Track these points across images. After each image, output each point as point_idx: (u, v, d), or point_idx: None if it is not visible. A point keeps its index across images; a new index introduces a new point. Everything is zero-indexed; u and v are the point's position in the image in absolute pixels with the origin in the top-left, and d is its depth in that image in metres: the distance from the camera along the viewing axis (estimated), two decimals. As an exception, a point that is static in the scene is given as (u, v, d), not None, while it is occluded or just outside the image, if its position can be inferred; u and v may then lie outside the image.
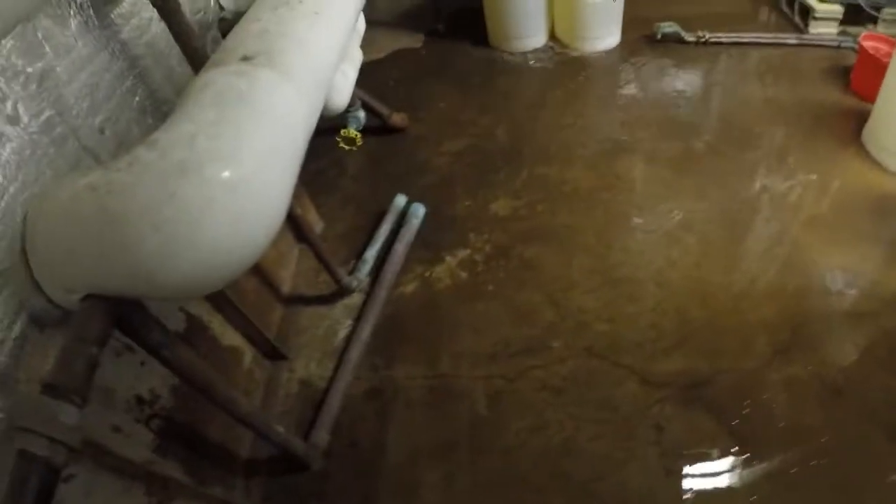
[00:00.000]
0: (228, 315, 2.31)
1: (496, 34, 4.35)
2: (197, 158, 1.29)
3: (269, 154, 1.41)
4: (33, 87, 1.50)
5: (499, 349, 2.51)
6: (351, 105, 3.06)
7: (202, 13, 2.26)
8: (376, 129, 3.65)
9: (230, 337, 2.32)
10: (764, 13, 4.58)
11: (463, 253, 2.94)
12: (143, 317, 1.47)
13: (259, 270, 2.66)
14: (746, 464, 2.05)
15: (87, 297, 1.32)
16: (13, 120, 1.42)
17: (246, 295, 2.47)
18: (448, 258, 2.92)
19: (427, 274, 2.87)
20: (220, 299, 2.24)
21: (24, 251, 1.36)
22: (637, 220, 2.95)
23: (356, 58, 2.79)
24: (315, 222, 3.13)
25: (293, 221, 2.60)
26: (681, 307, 2.55)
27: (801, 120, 3.45)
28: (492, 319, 2.63)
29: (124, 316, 1.40)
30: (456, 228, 3.06)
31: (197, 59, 1.94)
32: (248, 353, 2.43)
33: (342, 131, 3.11)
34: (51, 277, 1.36)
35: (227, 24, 2.29)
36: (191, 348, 1.70)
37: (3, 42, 1.41)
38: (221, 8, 2.34)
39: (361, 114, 3.20)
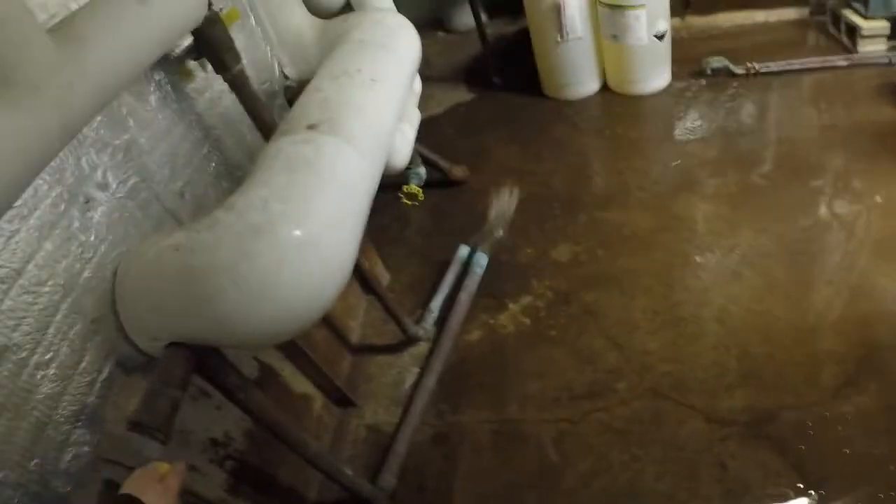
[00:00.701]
0: (299, 363, 2.42)
1: (549, 84, 4.46)
2: (270, 220, 1.44)
3: (335, 214, 1.56)
4: (120, 156, 1.68)
5: (562, 393, 2.54)
6: (411, 162, 3.20)
7: (268, 83, 2.46)
8: (438, 182, 3.77)
9: (301, 384, 2.43)
10: (812, 37, 4.52)
11: (526, 299, 2.98)
12: (220, 362, 1.60)
13: (329, 321, 2.77)
14: (813, 501, 2.00)
15: (171, 345, 1.46)
16: (103, 186, 1.60)
17: (316, 344, 2.58)
18: (511, 305, 2.97)
19: (491, 321, 2.93)
20: (291, 348, 2.35)
21: (113, 303, 1.51)
22: (698, 259, 2.94)
23: (414, 117, 2.94)
24: (382, 275, 3.25)
25: (361, 274, 2.73)
26: (743, 343, 2.52)
27: (859, 142, 3.38)
28: (556, 364, 2.66)
29: (204, 361, 1.52)
30: (518, 276, 3.12)
31: (265, 127, 2.11)
32: (318, 400, 2.54)
33: (404, 187, 3.24)
34: (138, 327, 1.50)
35: (291, 92, 2.47)
36: (263, 394, 1.81)
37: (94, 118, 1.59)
38: (286, 77, 2.53)
39: (422, 170, 3.34)
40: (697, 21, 4.80)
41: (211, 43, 1.89)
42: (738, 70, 4.16)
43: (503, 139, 4.20)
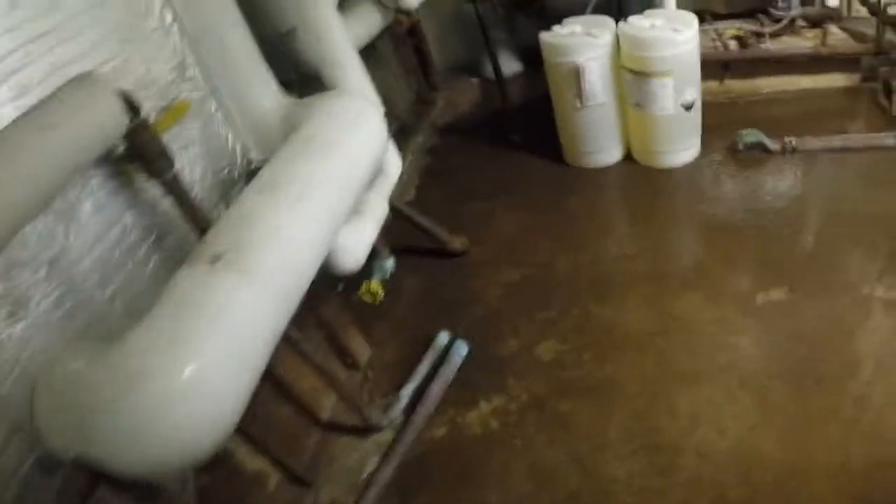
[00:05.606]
0: (256, 443, 2.35)
1: (569, 150, 4.24)
2: (148, 369, 1.45)
3: (220, 361, 1.53)
4: (42, 272, 1.65)
5: (513, 510, 2.38)
6: (375, 255, 3.02)
7: (227, 169, 2.37)
8: (437, 251, 3.66)
9: (255, 462, 2.36)
10: (860, 108, 4.18)
11: (498, 400, 2.83)
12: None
13: (296, 398, 2.69)
14: None
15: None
16: (23, 303, 1.59)
17: (278, 423, 2.52)
18: (483, 403, 2.83)
19: (459, 419, 2.80)
20: (249, 428, 2.27)
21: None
22: (690, 374, 2.71)
23: (378, 212, 2.80)
24: (363, 350, 3.14)
25: (339, 350, 2.64)
26: (720, 483, 2.30)
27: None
28: (513, 477, 2.52)
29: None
30: (496, 371, 2.96)
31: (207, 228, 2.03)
32: (274, 478, 2.45)
33: (364, 284, 3.07)
34: (50, 435, 1.52)
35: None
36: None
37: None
38: (249, 162, 2.43)
39: (389, 263, 3.18)
40: (737, 85, 4.51)
41: (139, 151, 1.83)
42: (774, 146, 3.85)
43: (513, 206, 4.04)
